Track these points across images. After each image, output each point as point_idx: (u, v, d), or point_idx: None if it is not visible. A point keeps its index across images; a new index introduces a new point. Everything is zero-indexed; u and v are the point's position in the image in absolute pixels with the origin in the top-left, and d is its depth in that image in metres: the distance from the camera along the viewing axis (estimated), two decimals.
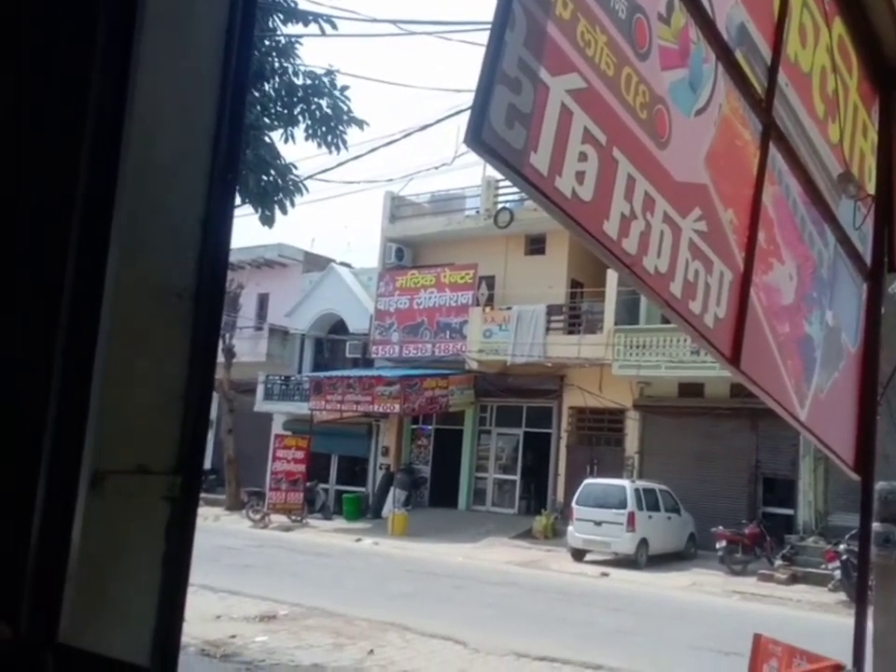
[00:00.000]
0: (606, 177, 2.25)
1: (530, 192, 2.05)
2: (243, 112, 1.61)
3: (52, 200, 1.26)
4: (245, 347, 29.57)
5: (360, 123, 8.58)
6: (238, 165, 1.50)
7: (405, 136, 9.03)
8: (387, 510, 24.66)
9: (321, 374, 27.60)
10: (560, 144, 2.06)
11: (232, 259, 30.68)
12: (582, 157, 2.16)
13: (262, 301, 32.48)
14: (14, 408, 1.22)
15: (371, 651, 9.23)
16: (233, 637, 9.47)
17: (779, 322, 3.52)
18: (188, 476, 1.41)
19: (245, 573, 14.64)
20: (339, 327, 29.97)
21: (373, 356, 27.74)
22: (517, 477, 25.72)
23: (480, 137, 1.79)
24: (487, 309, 25.32)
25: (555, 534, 21.98)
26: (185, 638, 8.20)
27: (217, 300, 1.51)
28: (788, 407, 3.64)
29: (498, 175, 26.46)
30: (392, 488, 25.22)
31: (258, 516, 24.09)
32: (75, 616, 1.21)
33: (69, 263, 1.24)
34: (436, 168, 11.98)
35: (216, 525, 22.71)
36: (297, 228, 46.17)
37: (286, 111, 8.22)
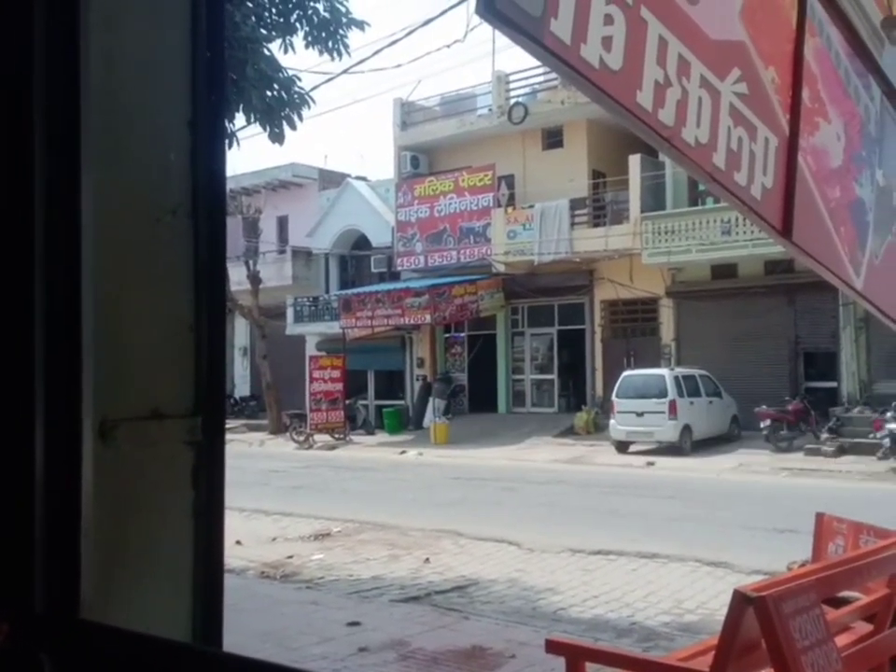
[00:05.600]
0: (635, 41, 2.01)
1: (553, 65, 1.84)
2: None
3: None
4: (271, 272, 29.51)
5: (361, 25, 8.18)
6: (223, 52, 1.29)
7: (408, 34, 8.62)
8: (428, 420, 24.85)
9: (349, 292, 27.51)
10: (582, 6, 1.83)
11: (246, 183, 30.38)
12: (608, 19, 1.92)
13: (282, 224, 32.23)
14: None
15: (427, 559, 9.33)
16: (290, 557, 9.61)
17: (829, 187, 3.29)
18: (209, 416, 1.25)
19: (296, 494, 14.87)
20: (361, 242, 29.71)
21: (399, 268, 27.54)
22: (554, 376, 25.72)
23: (493, 5, 1.57)
24: (509, 209, 24.89)
25: (597, 429, 22.07)
26: (243, 562, 8.30)
27: (217, 214, 1.32)
28: (843, 277, 3.44)
29: (509, 69, 25.72)
30: (431, 398, 25.36)
31: (301, 437, 24.41)
32: (98, 585, 1.06)
33: (36, 178, 1.05)
34: (448, 47, 11.51)
35: (261, 450, 23.09)
36: (308, 146, 45.51)
37: (281, 19, 7.84)
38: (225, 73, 1.35)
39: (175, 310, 1.24)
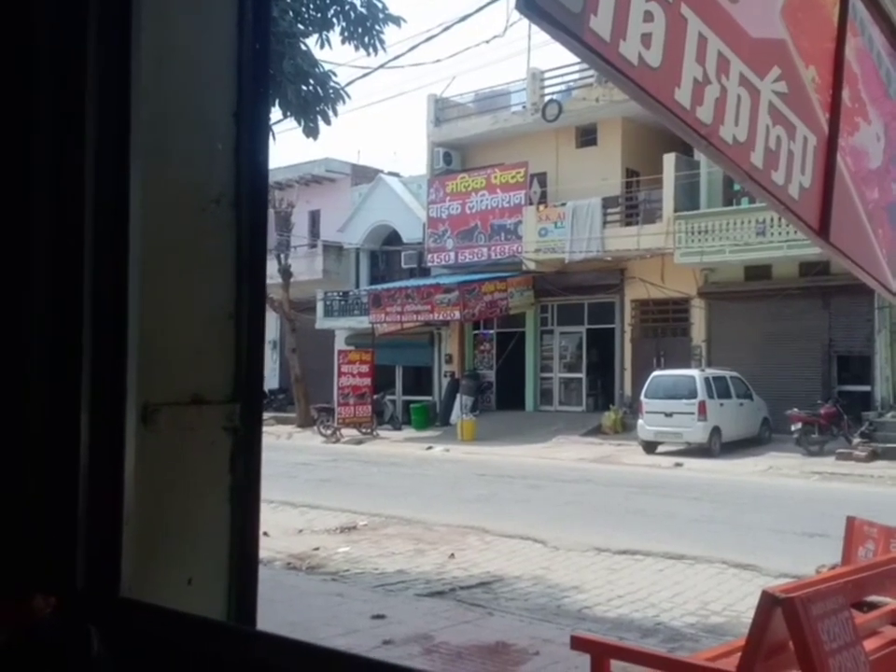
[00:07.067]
0: (675, 38, 2.01)
1: (592, 61, 1.84)
2: None
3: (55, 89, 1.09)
4: (302, 266, 29.67)
5: (397, 20, 8.21)
6: (269, 45, 1.31)
7: (444, 30, 8.60)
8: (455, 416, 24.88)
9: (379, 287, 27.60)
10: (622, 3, 1.83)
11: (280, 177, 30.57)
12: (648, 16, 1.92)
13: (314, 218, 32.40)
14: (43, 340, 1.07)
15: (452, 554, 9.35)
16: (317, 549, 9.68)
17: (868, 188, 3.25)
18: (247, 403, 1.27)
19: (323, 487, 14.96)
20: (392, 238, 29.80)
21: (429, 264, 27.58)
22: (583, 375, 25.63)
23: (533, 1, 1.58)
24: (541, 207, 24.82)
25: (625, 428, 21.96)
26: (270, 553, 8.36)
27: (259, 205, 1.34)
28: (880, 279, 3.41)
29: (544, 66, 25.64)
30: (458, 395, 25.37)
31: (329, 431, 24.54)
32: (137, 565, 1.09)
33: (87, 167, 1.07)
34: (487, 42, 11.49)
35: (289, 443, 23.24)
36: (342, 141, 45.72)
37: (319, 14, 7.90)
38: (269, 65, 1.37)
39: (217, 298, 1.26)
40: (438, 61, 20.92)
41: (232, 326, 1.27)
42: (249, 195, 1.29)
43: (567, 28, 1.67)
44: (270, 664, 0.89)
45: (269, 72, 1.42)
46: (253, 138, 1.29)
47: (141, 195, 1.13)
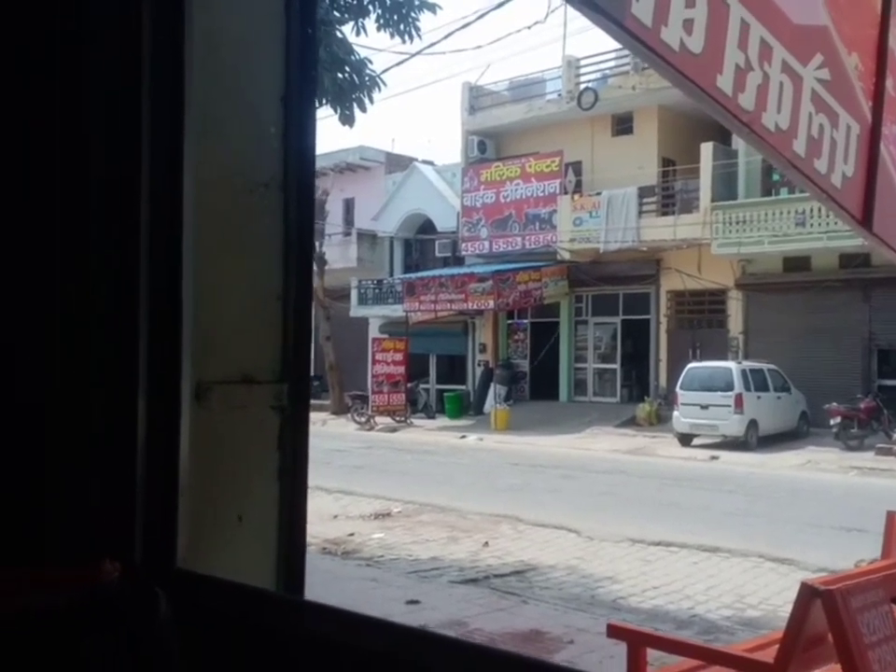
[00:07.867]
0: (717, 24, 2.00)
1: (633, 47, 1.85)
2: None
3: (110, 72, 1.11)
4: (336, 254, 29.79)
5: (432, 7, 8.24)
6: (315, 31, 1.33)
7: (480, 17, 8.59)
8: (489, 405, 24.89)
9: (413, 276, 27.65)
10: None
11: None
12: (690, 2, 1.92)
13: (348, 206, 32.50)
14: (102, 320, 1.11)
15: (486, 543, 9.38)
16: (352, 534, 9.77)
17: None
18: (294, 383, 1.30)
19: (357, 474, 15.06)
20: (426, 226, 29.81)
21: (463, 253, 27.56)
22: (617, 365, 25.50)
23: None
24: (576, 196, 24.67)
25: (659, 420, 21.82)
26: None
27: (306, 188, 1.36)
28: None
29: (579, 54, 25.45)
30: (492, 384, 25.36)
31: (363, 419, 24.66)
32: (191, 538, 1.12)
33: (143, 150, 1.10)
34: (528, 28, 11.42)
35: (323, 430, 23.40)
36: (376, 129, 45.72)
37: (355, 2, 7.94)
38: (316, 51, 1.39)
39: (265, 280, 1.29)
40: (478, 47, 20.68)
41: (280, 307, 1.30)
42: (297, 179, 1.31)
43: (608, 13, 1.68)
44: (317, 630, 0.92)
45: (317, 57, 1.44)
46: (300, 122, 1.31)
47: (194, 178, 1.16)
